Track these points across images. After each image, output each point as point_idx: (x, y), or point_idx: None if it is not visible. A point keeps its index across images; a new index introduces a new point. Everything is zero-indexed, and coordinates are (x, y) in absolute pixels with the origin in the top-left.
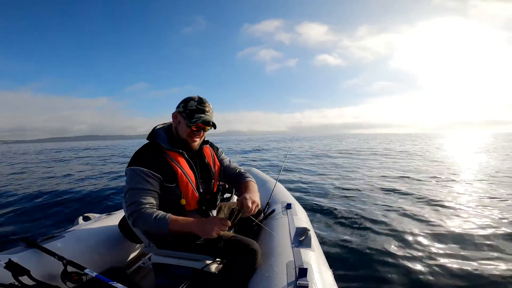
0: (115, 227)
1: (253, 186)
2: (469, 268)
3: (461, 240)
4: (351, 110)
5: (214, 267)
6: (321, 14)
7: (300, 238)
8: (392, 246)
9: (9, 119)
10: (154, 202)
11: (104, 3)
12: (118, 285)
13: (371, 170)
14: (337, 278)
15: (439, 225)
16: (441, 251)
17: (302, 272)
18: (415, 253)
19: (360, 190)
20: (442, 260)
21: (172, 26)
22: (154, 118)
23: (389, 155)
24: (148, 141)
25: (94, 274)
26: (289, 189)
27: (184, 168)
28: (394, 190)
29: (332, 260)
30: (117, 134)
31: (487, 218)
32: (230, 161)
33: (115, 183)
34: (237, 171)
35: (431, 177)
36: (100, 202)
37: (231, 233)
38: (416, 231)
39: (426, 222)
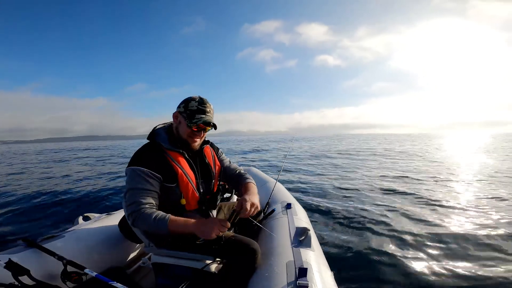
0: (115, 227)
1: (253, 188)
2: (469, 268)
3: (461, 240)
4: (350, 111)
5: (214, 267)
6: (321, 14)
7: (300, 238)
8: (392, 246)
9: (8, 119)
10: (154, 202)
11: (104, 3)
12: (118, 285)
13: (371, 170)
14: (337, 278)
15: (438, 225)
16: (440, 251)
17: (302, 272)
18: (415, 253)
19: (359, 190)
20: (442, 260)
21: (172, 26)
22: (153, 118)
23: (388, 155)
24: (148, 141)
25: (94, 274)
26: (289, 189)
27: (184, 168)
28: (393, 190)
29: (332, 260)
30: (116, 135)
31: (486, 218)
32: (230, 162)
33: (114, 183)
34: (237, 172)
35: (431, 177)
36: (99, 202)
37: (231, 233)
38: (415, 231)
39: (425, 222)
